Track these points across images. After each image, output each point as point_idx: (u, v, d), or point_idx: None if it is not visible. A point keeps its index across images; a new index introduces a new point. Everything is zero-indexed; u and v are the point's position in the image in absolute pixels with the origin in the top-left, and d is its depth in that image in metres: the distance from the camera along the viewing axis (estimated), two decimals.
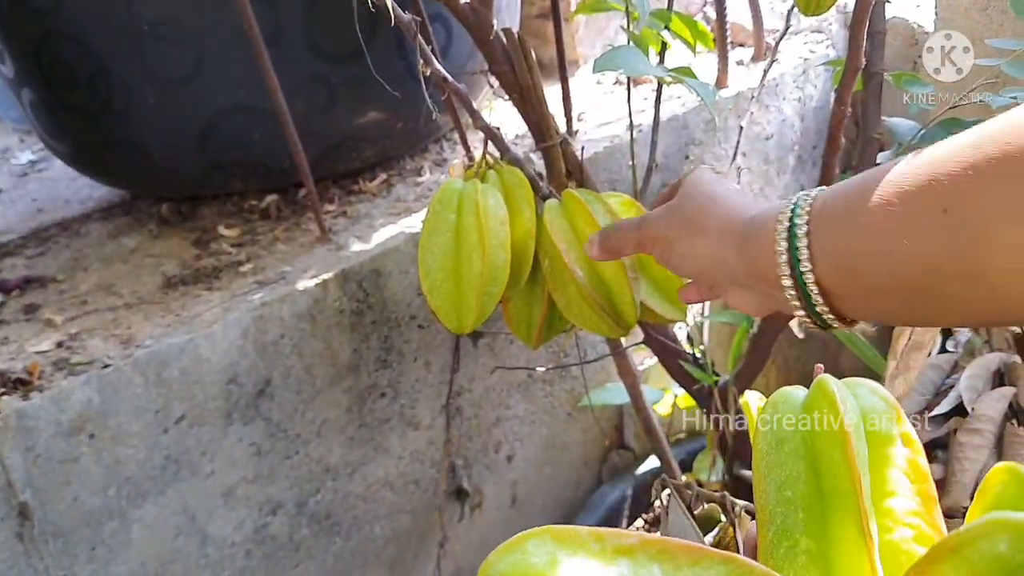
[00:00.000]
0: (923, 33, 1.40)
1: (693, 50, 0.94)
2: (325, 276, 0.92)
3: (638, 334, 0.99)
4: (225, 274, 0.96)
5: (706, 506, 0.55)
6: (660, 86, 0.99)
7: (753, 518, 0.51)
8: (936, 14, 1.31)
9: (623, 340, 0.97)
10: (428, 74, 0.75)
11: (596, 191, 0.77)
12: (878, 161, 0.88)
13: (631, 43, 0.83)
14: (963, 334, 0.96)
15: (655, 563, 0.25)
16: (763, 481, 0.36)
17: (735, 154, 1.18)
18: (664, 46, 0.93)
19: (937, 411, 0.85)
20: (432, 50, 0.85)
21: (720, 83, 1.35)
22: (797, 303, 0.44)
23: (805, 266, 0.42)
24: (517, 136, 1.25)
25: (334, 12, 0.95)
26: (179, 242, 1.07)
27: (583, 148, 0.85)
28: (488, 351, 1.12)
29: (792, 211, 0.43)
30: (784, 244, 0.43)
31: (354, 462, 1.00)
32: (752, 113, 1.13)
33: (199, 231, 1.09)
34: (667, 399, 1.24)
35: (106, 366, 0.78)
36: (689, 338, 1.06)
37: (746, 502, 0.52)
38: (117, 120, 1.03)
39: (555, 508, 1.31)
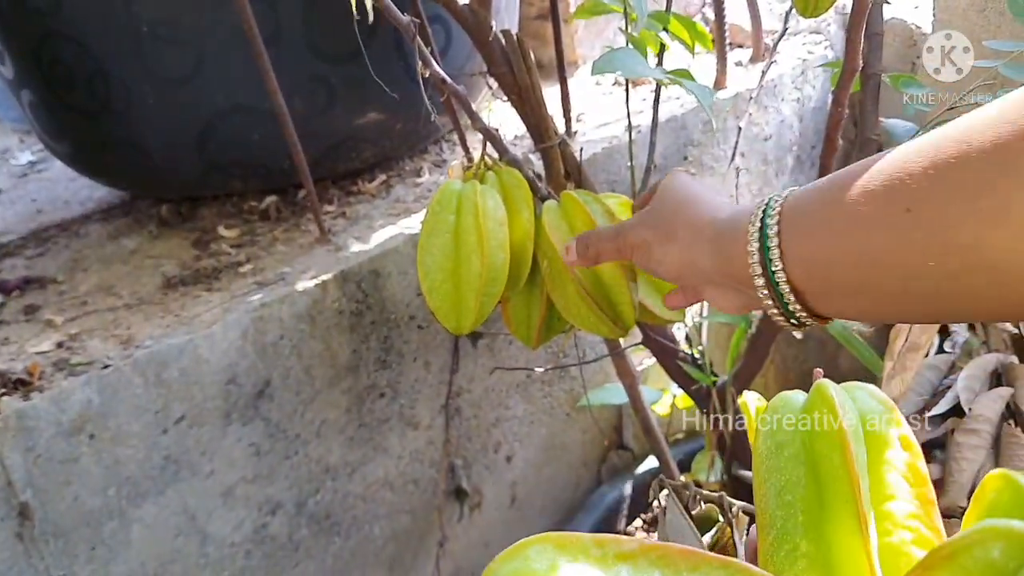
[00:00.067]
0: (921, 34, 1.40)
1: (692, 51, 0.94)
2: (324, 277, 0.92)
3: (637, 335, 0.99)
4: (225, 275, 0.96)
5: (704, 506, 0.55)
6: (659, 87, 1.00)
7: (751, 518, 0.52)
8: (934, 15, 1.31)
9: (622, 341, 0.97)
10: (427, 75, 0.75)
11: (595, 192, 0.77)
12: None
13: (629, 45, 0.83)
14: (960, 335, 0.96)
15: (656, 568, 0.25)
16: (763, 485, 0.37)
17: (733, 155, 1.18)
18: (663, 47, 0.93)
19: (934, 411, 0.85)
20: (431, 51, 0.85)
21: (719, 84, 1.35)
22: (770, 302, 0.44)
23: (776, 266, 0.42)
24: (516, 137, 1.26)
25: (334, 13, 0.95)
26: (179, 243, 1.07)
27: (582, 149, 0.85)
28: (487, 351, 1.12)
29: (763, 212, 0.43)
30: (756, 245, 0.43)
31: (353, 462, 1.00)
32: (751, 114, 1.14)
33: (199, 232, 1.09)
34: (666, 399, 1.24)
35: (106, 366, 0.79)
36: (687, 338, 1.06)
37: (744, 502, 0.52)
38: (116, 120, 1.03)
39: (554, 508, 1.31)
